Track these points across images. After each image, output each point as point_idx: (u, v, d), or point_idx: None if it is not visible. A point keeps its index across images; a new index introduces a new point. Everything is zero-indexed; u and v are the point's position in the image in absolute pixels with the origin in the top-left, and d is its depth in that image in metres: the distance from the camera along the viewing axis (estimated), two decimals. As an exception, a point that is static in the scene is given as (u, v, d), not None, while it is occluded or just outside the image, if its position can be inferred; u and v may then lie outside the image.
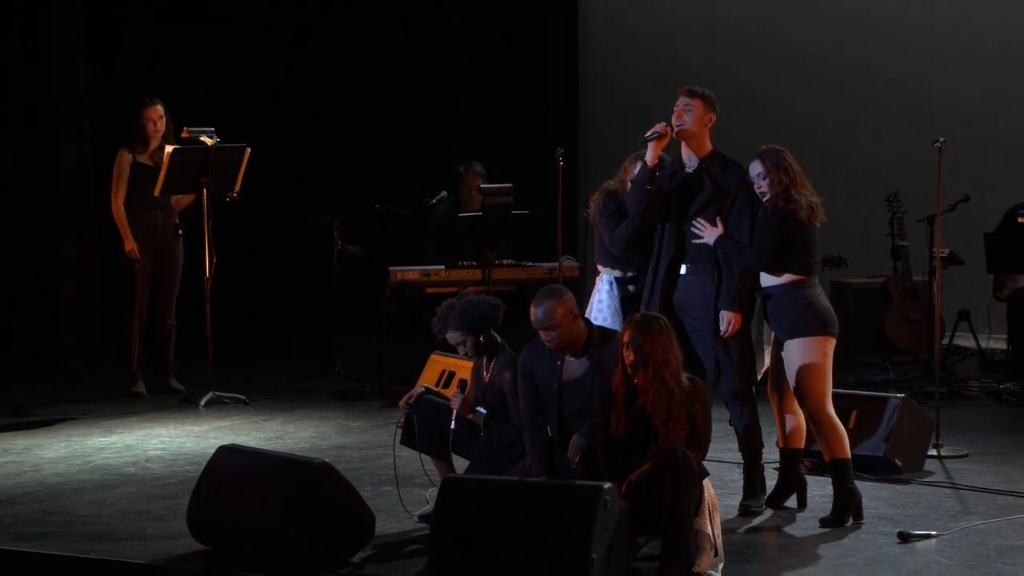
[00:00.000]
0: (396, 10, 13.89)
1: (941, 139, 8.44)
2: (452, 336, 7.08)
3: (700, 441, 6.33)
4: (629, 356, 6.33)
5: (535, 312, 6.71)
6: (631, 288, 7.89)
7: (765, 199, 6.98)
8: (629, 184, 7.58)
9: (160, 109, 10.44)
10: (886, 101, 12.94)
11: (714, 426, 6.48)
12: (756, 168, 6.97)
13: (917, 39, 12.90)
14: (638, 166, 7.45)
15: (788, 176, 6.93)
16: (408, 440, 7.15)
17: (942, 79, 12.74)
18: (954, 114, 12.35)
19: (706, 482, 6.19)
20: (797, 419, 7.15)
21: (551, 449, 6.79)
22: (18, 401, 10.36)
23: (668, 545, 5.99)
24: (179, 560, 6.41)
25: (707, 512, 6.13)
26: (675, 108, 7.19)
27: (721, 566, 6.11)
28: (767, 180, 6.94)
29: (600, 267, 8.04)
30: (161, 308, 10.55)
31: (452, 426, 6.95)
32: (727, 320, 7.02)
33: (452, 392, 7.14)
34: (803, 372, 6.89)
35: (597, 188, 8.08)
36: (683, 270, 7.17)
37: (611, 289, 7.92)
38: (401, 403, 7.16)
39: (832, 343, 6.96)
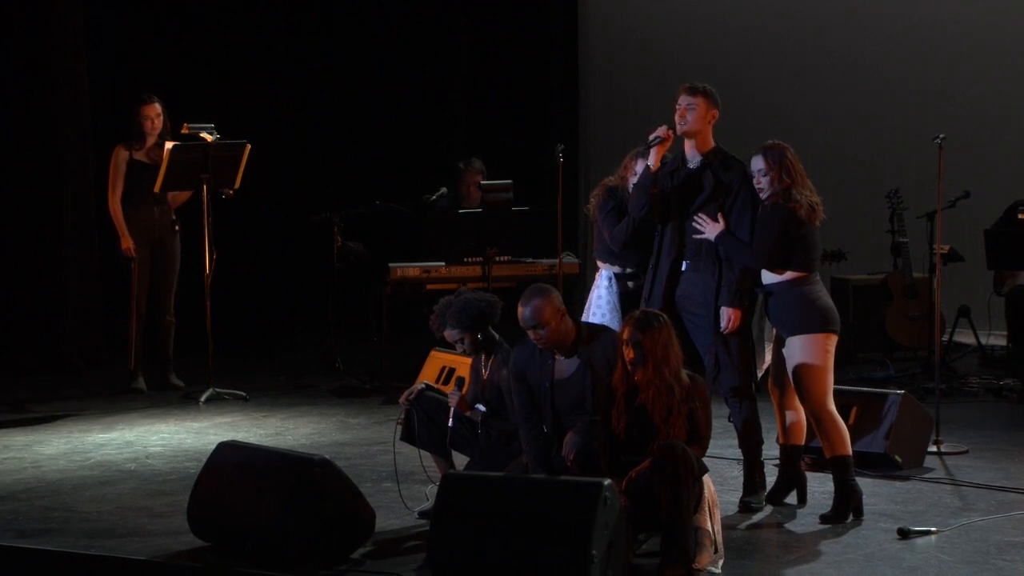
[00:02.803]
0: (397, 6, 13.89)
1: (941, 135, 8.44)
2: (450, 334, 7.08)
3: (700, 438, 6.32)
4: (629, 353, 6.32)
5: (523, 311, 6.70)
6: (630, 284, 7.90)
7: (763, 195, 6.98)
8: (631, 183, 7.59)
9: (158, 107, 10.44)
10: (887, 98, 12.94)
11: (714, 423, 6.48)
12: (757, 164, 6.97)
13: (918, 36, 12.90)
14: (640, 164, 7.45)
15: (790, 176, 6.93)
16: (408, 437, 7.15)
17: (943, 76, 12.74)
18: (955, 111, 12.36)
19: (706, 478, 6.20)
20: (798, 415, 7.15)
21: (547, 446, 6.78)
22: (18, 397, 10.37)
23: (668, 542, 5.98)
24: (179, 556, 6.41)
25: (707, 509, 6.13)
26: (677, 107, 7.17)
27: (721, 562, 6.11)
28: (767, 177, 6.95)
29: (599, 263, 8.04)
30: (160, 304, 10.55)
31: (450, 424, 6.95)
32: (727, 316, 7.02)
33: (451, 389, 7.14)
34: (805, 369, 6.89)
35: (597, 184, 8.08)
36: (683, 266, 7.17)
37: (610, 285, 7.93)
38: (401, 399, 7.16)
39: (834, 340, 6.96)
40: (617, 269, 7.94)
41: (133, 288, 10.41)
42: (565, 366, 6.77)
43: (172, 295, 10.60)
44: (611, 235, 7.78)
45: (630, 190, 7.62)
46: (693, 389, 6.36)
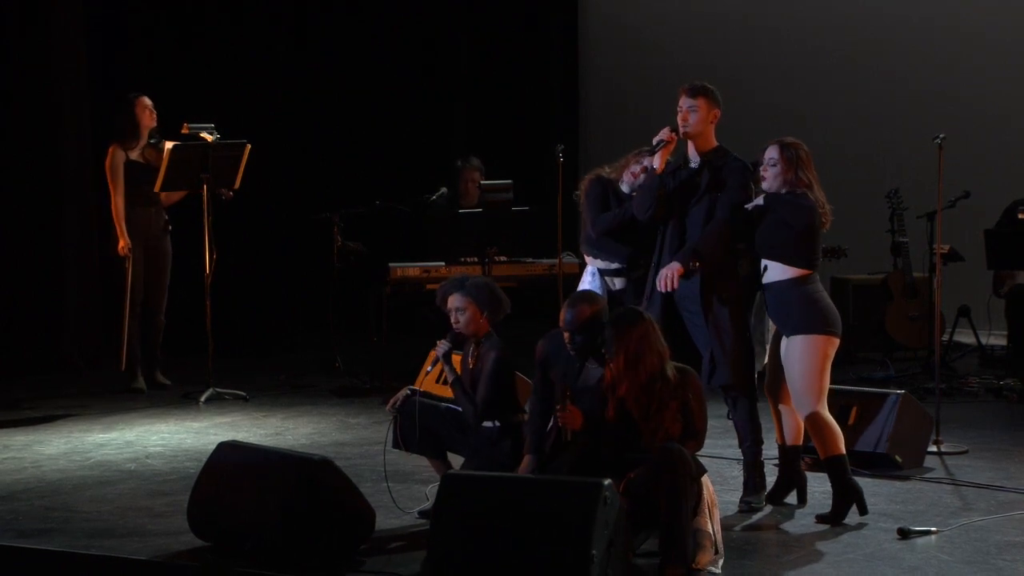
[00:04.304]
0: (397, 6, 13.89)
1: (942, 135, 8.43)
2: (455, 299, 6.99)
3: (696, 432, 6.30)
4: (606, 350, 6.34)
5: (565, 313, 6.60)
6: (616, 283, 7.93)
7: (765, 185, 6.95)
8: (625, 180, 7.60)
9: (149, 101, 10.45)
10: (887, 97, 12.95)
11: (714, 422, 6.47)
12: (772, 154, 6.92)
13: (918, 36, 12.91)
14: (638, 166, 7.47)
15: (806, 178, 6.90)
16: (398, 443, 7.14)
17: (943, 75, 12.75)
18: (955, 110, 12.37)
19: (705, 479, 6.19)
20: (794, 416, 7.13)
21: (544, 447, 6.76)
22: (18, 397, 10.37)
23: (667, 542, 5.97)
24: (179, 556, 6.41)
25: (707, 510, 6.12)
26: (679, 109, 7.17)
27: (721, 562, 6.11)
28: (775, 168, 6.89)
29: (585, 256, 8.08)
30: (154, 304, 10.55)
31: (428, 368, 6.93)
32: (665, 272, 6.94)
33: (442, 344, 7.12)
34: (801, 370, 6.85)
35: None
36: (683, 266, 7.18)
37: (594, 280, 7.96)
38: (388, 407, 7.15)
39: (835, 344, 6.91)
40: (601, 264, 7.95)
41: (127, 288, 10.38)
42: (590, 375, 6.64)
43: (164, 295, 10.60)
44: (593, 220, 7.82)
45: (622, 186, 7.70)
46: (683, 382, 6.33)
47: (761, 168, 6.98)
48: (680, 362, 6.86)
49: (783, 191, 6.93)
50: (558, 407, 6.46)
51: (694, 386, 6.37)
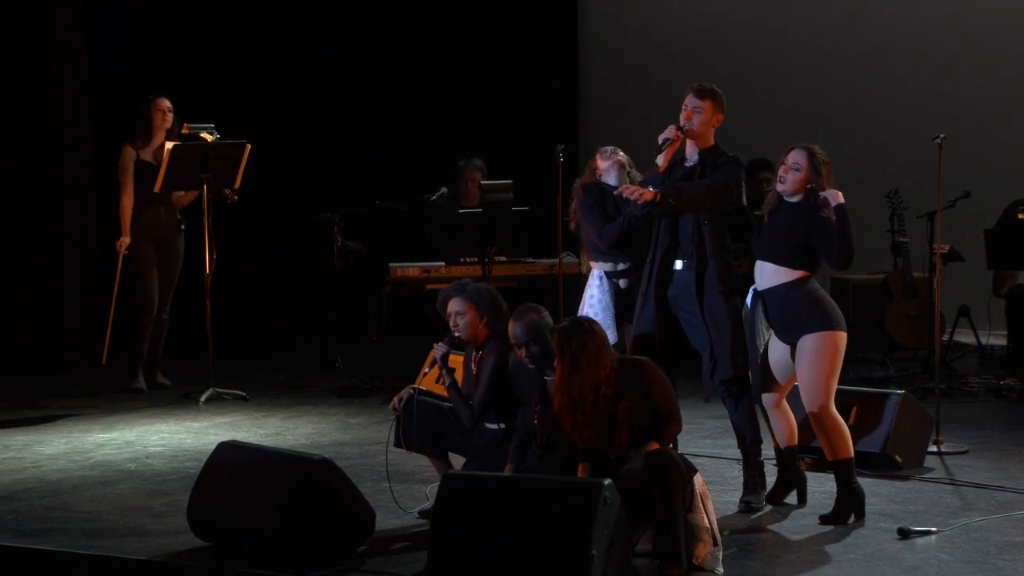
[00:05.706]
0: (397, 6, 13.89)
1: (942, 135, 8.43)
2: (455, 303, 7.00)
3: (667, 416, 6.28)
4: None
5: (514, 328, 6.63)
6: (622, 284, 7.94)
7: (780, 188, 6.92)
8: (607, 167, 7.97)
9: (168, 102, 10.46)
10: (887, 97, 12.95)
11: (713, 422, 6.47)
12: (798, 159, 6.87)
13: (918, 36, 12.91)
14: (604, 162, 7.67)
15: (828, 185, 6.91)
16: (400, 442, 7.15)
17: (943, 75, 12.75)
18: (955, 111, 12.36)
19: (696, 475, 6.18)
20: (787, 417, 7.10)
21: (526, 455, 6.79)
22: (18, 397, 10.37)
23: (662, 544, 5.96)
24: (179, 556, 6.41)
25: (700, 505, 6.10)
26: (684, 107, 7.18)
27: (720, 554, 6.10)
28: (797, 174, 6.85)
29: (591, 262, 8.08)
30: (158, 302, 10.55)
31: (424, 370, 7.10)
32: (637, 189, 6.98)
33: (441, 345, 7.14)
34: (811, 365, 6.79)
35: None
36: (678, 265, 7.16)
37: (601, 284, 7.97)
38: (391, 406, 7.16)
39: (844, 339, 6.88)
40: (608, 267, 7.97)
41: (115, 283, 10.39)
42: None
43: (171, 294, 10.62)
44: (599, 232, 7.84)
45: (607, 180, 7.99)
46: (636, 376, 6.29)
47: (781, 169, 6.94)
48: (679, 362, 6.87)
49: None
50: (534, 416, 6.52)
51: (650, 374, 6.33)
